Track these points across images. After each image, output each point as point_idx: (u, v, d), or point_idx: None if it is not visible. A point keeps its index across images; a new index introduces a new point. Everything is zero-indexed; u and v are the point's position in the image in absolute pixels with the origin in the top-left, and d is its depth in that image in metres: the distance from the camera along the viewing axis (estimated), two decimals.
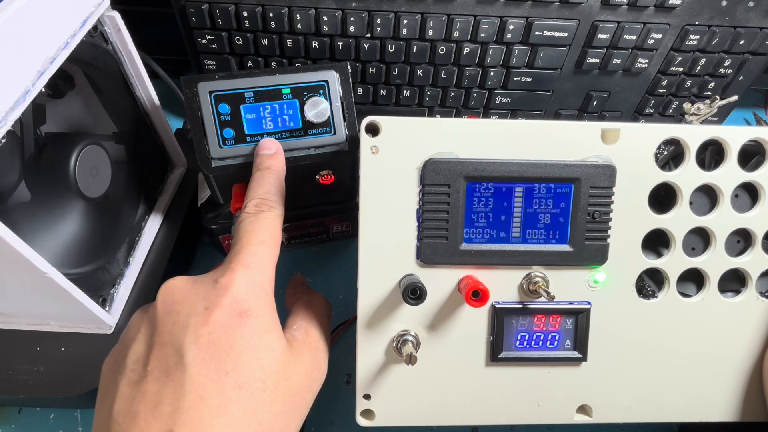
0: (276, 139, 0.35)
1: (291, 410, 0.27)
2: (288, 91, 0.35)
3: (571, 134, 0.30)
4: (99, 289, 0.36)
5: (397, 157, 0.29)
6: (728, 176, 0.30)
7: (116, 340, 0.36)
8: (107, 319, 0.36)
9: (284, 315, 0.30)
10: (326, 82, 0.36)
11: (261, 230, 0.29)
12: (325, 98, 0.36)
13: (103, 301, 0.37)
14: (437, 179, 0.29)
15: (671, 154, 0.31)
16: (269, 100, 0.35)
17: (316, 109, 0.35)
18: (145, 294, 0.40)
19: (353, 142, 0.37)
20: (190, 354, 0.23)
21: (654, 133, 0.30)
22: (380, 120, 0.29)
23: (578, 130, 0.30)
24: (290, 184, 0.34)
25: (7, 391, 0.35)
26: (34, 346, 0.36)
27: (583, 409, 0.32)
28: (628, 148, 0.30)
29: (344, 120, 0.36)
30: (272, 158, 0.34)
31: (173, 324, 0.25)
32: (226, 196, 0.39)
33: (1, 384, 0.35)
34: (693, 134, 0.30)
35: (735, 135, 0.30)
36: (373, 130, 0.29)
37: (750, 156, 0.31)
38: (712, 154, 0.32)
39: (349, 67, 0.36)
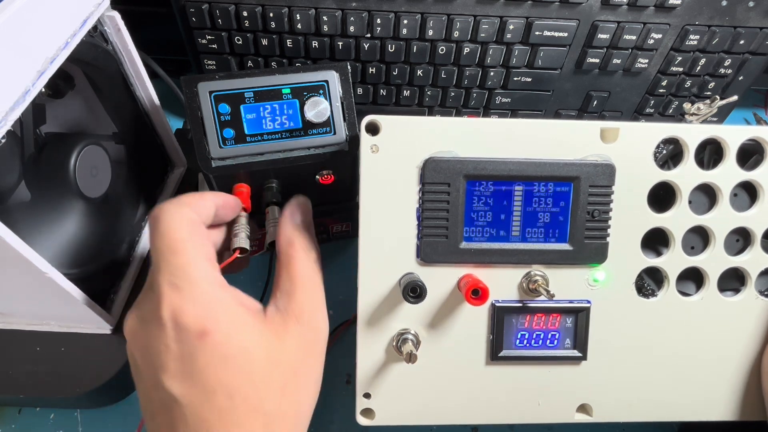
0: (276, 139, 0.35)
1: (296, 385, 0.27)
2: (288, 91, 0.35)
3: (570, 133, 0.30)
4: (99, 289, 0.36)
5: (397, 156, 0.29)
6: (727, 175, 0.31)
7: (116, 339, 0.36)
8: (107, 319, 0.36)
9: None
10: (326, 82, 0.36)
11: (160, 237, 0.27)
12: (325, 98, 0.36)
13: (103, 301, 0.37)
14: (437, 178, 0.29)
15: (670, 153, 0.31)
16: (269, 100, 0.35)
17: (316, 109, 0.35)
18: None
19: (353, 142, 0.37)
20: (176, 390, 0.25)
21: (653, 132, 0.30)
22: (380, 119, 0.29)
23: (577, 129, 0.30)
24: (290, 184, 0.34)
25: (7, 391, 0.35)
26: (34, 346, 0.36)
27: (583, 408, 0.32)
28: (627, 147, 0.30)
29: (344, 120, 0.36)
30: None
31: (148, 368, 0.26)
32: None
33: (1, 384, 0.35)
34: (692, 133, 0.30)
35: (733, 134, 0.30)
36: (373, 129, 0.29)
37: (749, 155, 0.31)
38: (710, 153, 0.32)
39: (349, 67, 0.36)
